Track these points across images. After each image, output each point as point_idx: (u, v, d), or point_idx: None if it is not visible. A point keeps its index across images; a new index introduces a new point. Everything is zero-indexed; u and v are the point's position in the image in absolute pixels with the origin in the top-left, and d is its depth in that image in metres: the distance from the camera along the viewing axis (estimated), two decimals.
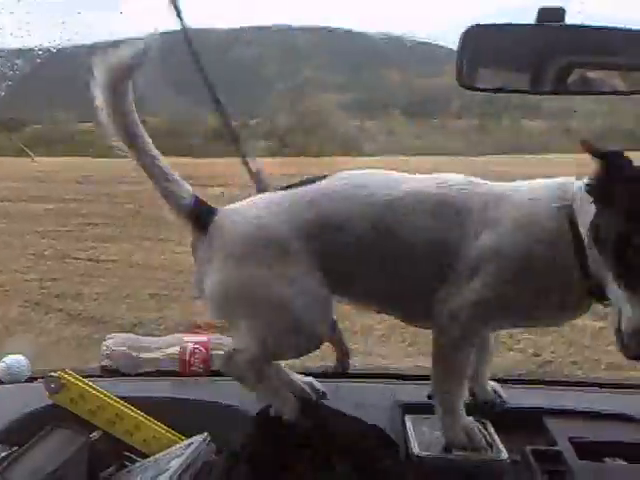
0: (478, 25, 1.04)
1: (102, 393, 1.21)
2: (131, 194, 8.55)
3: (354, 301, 1.22)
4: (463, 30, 1.02)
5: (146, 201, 8.38)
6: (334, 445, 1.08)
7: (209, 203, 1.19)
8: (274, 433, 1.14)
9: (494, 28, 1.08)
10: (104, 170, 10.45)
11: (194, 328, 4.04)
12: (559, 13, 1.00)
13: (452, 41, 1.08)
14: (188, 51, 1.50)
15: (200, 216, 1.15)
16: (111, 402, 1.19)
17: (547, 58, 1.13)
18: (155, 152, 1.15)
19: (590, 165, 0.95)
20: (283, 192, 1.17)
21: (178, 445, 1.14)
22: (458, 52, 1.02)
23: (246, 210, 1.17)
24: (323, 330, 1.15)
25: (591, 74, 1.21)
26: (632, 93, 1.21)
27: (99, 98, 1.10)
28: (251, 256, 1.11)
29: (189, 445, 1.12)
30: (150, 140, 1.13)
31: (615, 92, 1.23)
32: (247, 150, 1.59)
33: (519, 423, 1.19)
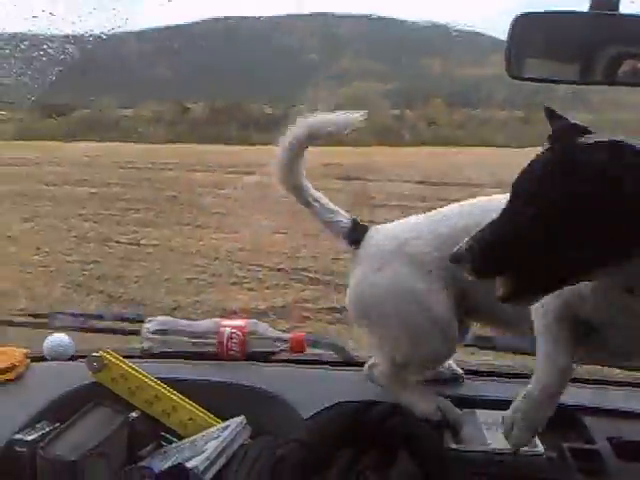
0: (528, 13, 1.02)
1: (142, 374, 1.23)
2: (171, 180, 8.70)
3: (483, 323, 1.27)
4: (512, 18, 0.99)
5: (185, 187, 8.52)
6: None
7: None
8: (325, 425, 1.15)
9: (544, 16, 1.05)
10: (146, 156, 10.66)
11: (230, 314, 4.11)
12: (613, 2, 0.97)
13: (501, 30, 1.06)
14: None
15: (356, 235, 1.27)
16: (150, 383, 1.22)
17: (598, 48, 1.09)
18: (316, 194, 1.31)
19: None
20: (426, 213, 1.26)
21: (215, 427, 1.16)
22: (507, 41, 1.00)
23: (390, 227, 1.28)
24: (446, 348, 1.19)
25: None
26: None
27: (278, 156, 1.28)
28: (386, 267, 1.20)
29: (226, 428, 1.14)
30: (310, 185, 1.31)
31: None
32: None
33: (557, 420, 1.17)
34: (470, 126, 11.43)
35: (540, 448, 1.08)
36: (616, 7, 0.98)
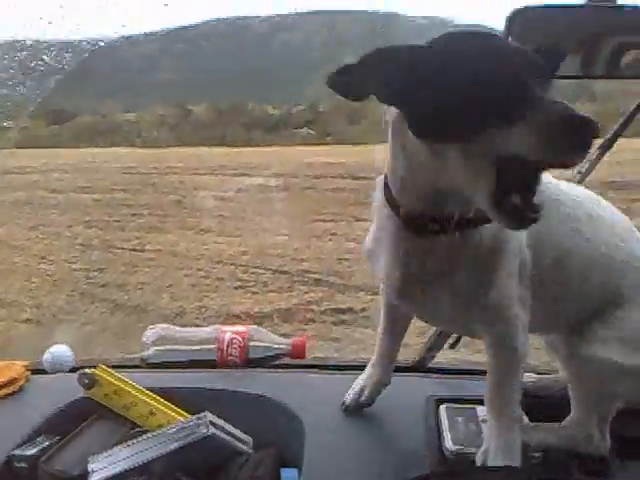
0: (524, 8, 0.99)
1: (136, 388, 1.21)
2: (175, 184, 8.72)
3: None
4: (508, 13, 0.97)
5: (189, 191, 8.53)
6: None
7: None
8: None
9: (542, 10, 1.03)
10: (150, 160, 10.70)
11: (234, 318, 4.11)
12: None
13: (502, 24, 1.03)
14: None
15: None
16: (144, 398, 1.19)
17: (598, 40, 1.08)
18: None
19: None
20: None
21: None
22: (503, 37, 0.98)
23: None
24: None
25: None
26: None
27: None
28: None
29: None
30: None
31: None
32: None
33: (559, 419, 1.14)
34: None
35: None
36: None
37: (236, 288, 4.89)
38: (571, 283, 1.03)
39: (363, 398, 1.21)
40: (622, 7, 1.01)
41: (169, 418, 1.16)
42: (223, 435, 1.09)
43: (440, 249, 0.91)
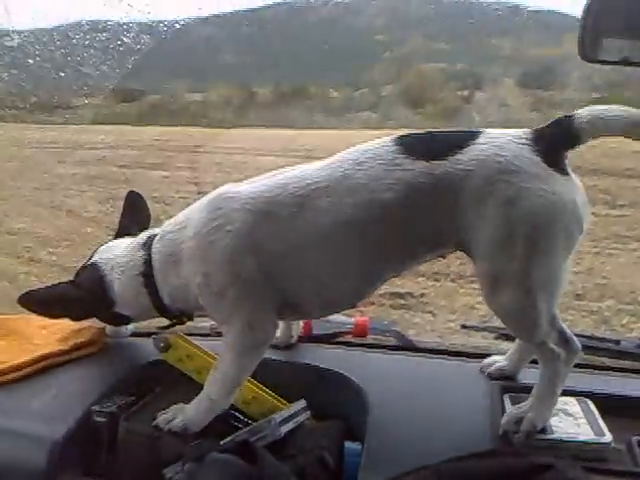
0: None
1: (207, 354, 1.27)
2: (239, 164, 8.83)
3: None
4: None
5: (252, 172, 8.63)
6: None
7: None
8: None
9: None
10: (214, 140, 10.84)
11: None
12: None
13: (578, 8, 1.00)
14: None
15: None
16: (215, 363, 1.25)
17: None
18: None
19: None
20: None
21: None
22: (582, 20, 0.95)
23: None
24: None
25: None
26: None
27: None
28: None
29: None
30: None
31: None
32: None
33: (627, 411, 1.14)
34: (543, 108, 10.99)
35: (608, 438, 1.05)
36: None
37: None
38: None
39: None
40: None
41: None
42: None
43: None
